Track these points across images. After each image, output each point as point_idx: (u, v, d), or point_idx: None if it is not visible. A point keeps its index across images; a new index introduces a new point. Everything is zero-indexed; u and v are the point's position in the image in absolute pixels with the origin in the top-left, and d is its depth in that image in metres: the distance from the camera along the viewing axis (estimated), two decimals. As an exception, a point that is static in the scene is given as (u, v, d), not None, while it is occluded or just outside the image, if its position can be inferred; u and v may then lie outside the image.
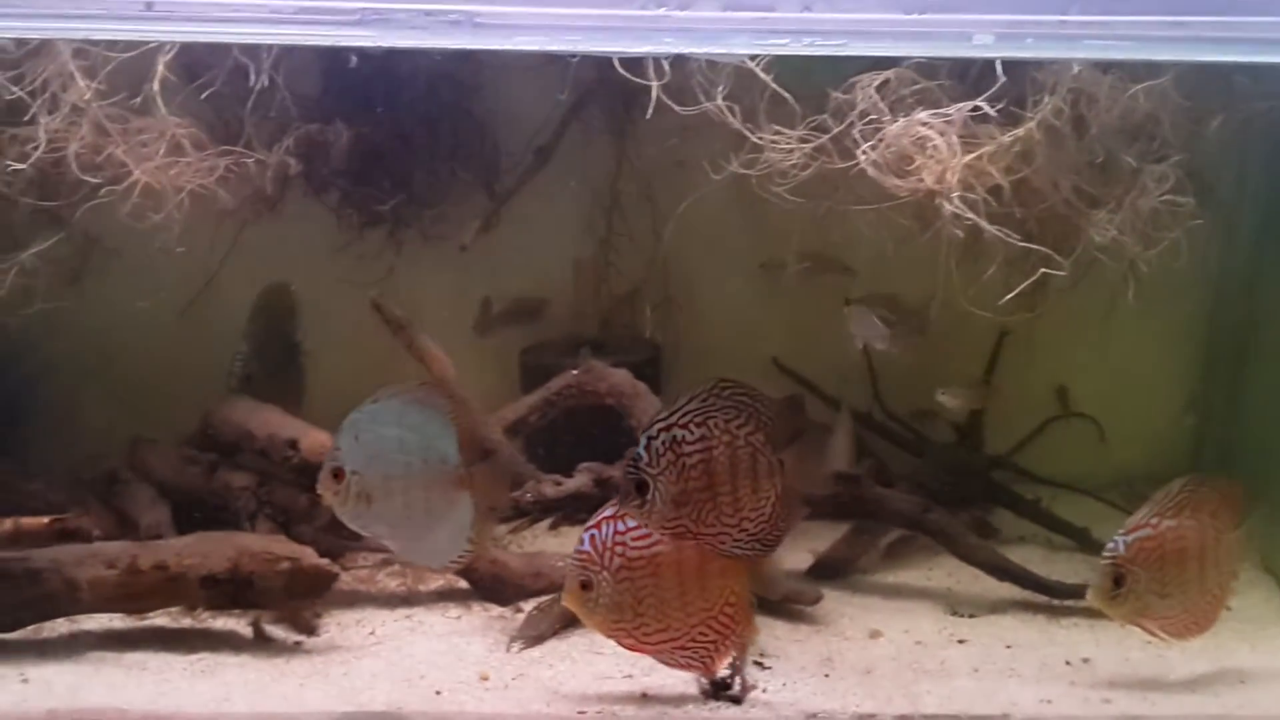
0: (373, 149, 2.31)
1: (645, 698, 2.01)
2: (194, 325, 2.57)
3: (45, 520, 2.02)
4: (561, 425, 2.38)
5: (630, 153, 2.47)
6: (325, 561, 2.12)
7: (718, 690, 2.00)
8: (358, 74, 2.29)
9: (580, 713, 1.97)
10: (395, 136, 2.33)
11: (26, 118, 1.99)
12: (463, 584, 2.35)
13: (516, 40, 1.59)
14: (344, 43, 1.56)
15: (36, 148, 1.96)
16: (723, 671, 2.01)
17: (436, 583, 2.38)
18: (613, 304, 2.59)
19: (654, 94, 1.96)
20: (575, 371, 2.30)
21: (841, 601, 2.36)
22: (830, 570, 2.41)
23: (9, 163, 1.98)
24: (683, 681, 2.03)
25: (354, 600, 2.30)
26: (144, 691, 2.00)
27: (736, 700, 1.99)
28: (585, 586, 1.88)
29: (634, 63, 2.03)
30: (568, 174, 2.50)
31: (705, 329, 2.62)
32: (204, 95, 2.10)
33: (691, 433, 1.74)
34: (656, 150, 2.42)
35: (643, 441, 1.73)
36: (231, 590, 2.08)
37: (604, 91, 2.36)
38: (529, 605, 2.29)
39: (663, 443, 1.73)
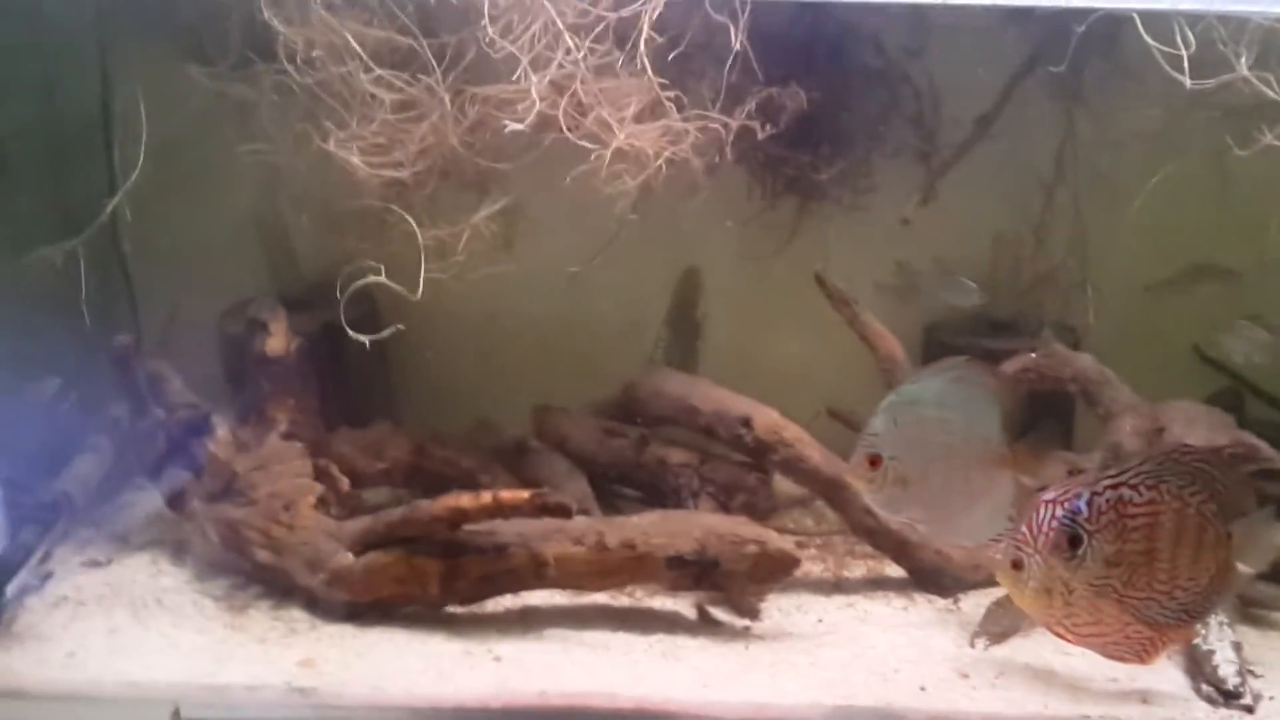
0: (814, 115, 2.20)
1: (1145, 702, 1.90)
2: (590, 290, 2.51)
3: (525, 494, 1.96)
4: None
5: (1081, 124, 2.33)
6: (790, 545, 2.05)
7: (1228, 698, 1.89)
8: (800, 35, 2.22)
9: (1084, 716, 1.87)
10: (835, 102, 2.22)
11: (515, 76, 1.93)
12: (892, 571, 2.26)
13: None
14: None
15: (530, 106, 1.91)
16: (1233, 680, 1.90)
17: (860, 570, 2.29)
18: (1031, 283, 2.46)
19: (1185, 61, 1.82)
20: (1034, 354, 2.19)
21: (1304, 607, 2.23)
22: (1287, 573, 2.26)
23: (505, 121, 1.93)
24: (1181, 687, 1.92)
25: (785, 585, 2.19)
26: (619, 673, 1.95)
27: (1249, 709, 1.87)
28: (1016, 566, 1.76)
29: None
30: (1009, 144, 2.36)
31: (1126, 315, 2.46)
32: (670, 56, 2.03)
33: (1140, 494, 1.66)
34: (1114, 123, 2.28)
35: (1085, 495, 1.65)
36: (696, 572, 2.02)
37: (1057, 55, 2.22)
38: (966, 598, 2.21)
39: (1107, 500, 1.65)
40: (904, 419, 1.70)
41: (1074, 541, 1.70)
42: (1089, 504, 1.69)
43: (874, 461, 1.69)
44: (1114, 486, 1.68)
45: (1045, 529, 1.77)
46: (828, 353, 2.50)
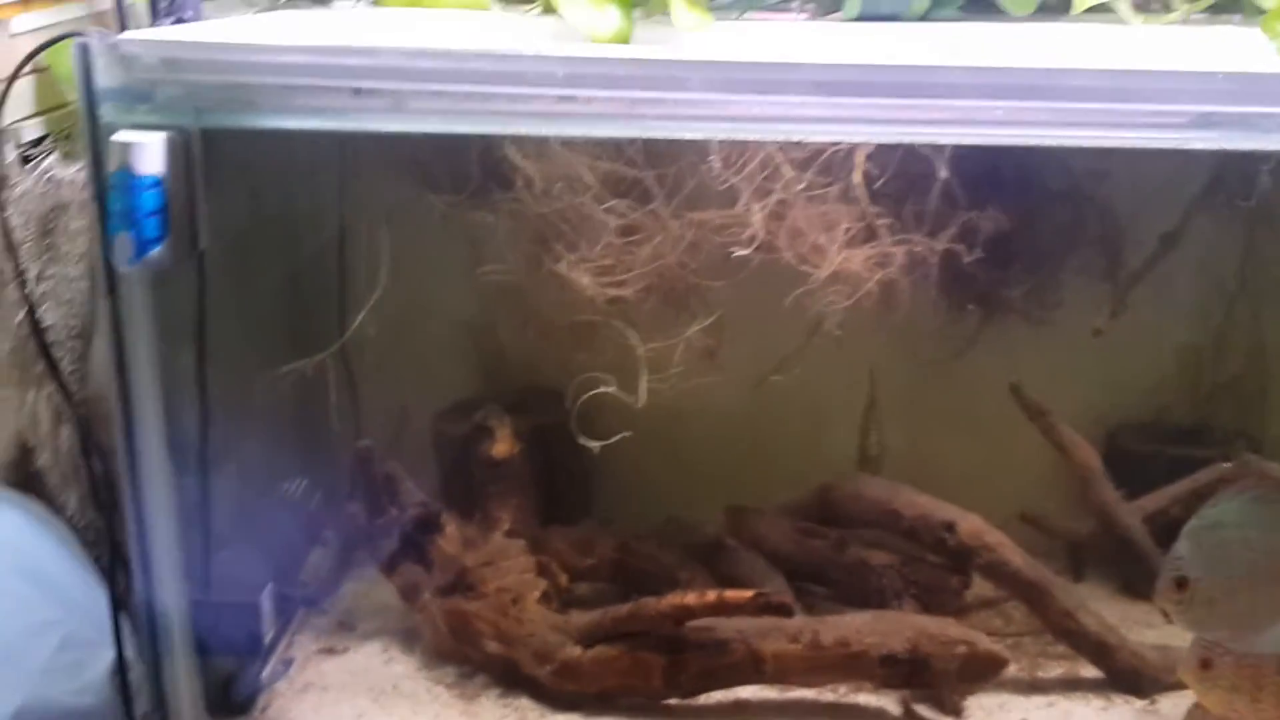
0: (1005, 234, 2.33)
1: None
2: (780, 398, 2.63)
3: (749, 594, 2.09)
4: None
5: (1262, 240, 2.44)
6: (999, 647, 2.15)
7: None
8: (992, 160, 2.36)
9: (1297, 815, 1.93)
10: (1025, 222, 2.35)
11: (740, 204, 2.11)
12: (1087, 673, 2.33)
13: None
14: (1184, 144, 1.60)
15: (752, 234, 2.09)
16: None
17: (1056, 671, 2.36)
18: (1210, 394, 2.55)
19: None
20: (1227, 464, 2.27)
21: None
22: None
23: (731, 248, 2.11)
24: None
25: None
26: (838, 767, 2.07)
27: None
28: (1205, 665, 1.90)
29: None
30: (1191, 259, 2.49)
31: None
32: (876, 185, 2.18)
33: None
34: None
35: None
36: (908, 670, 2.12)
37: (1235, 177, 2.33)
38: (1163, 698, 2.27)
39: None
40: (1207, 541, 1.82)
41: None
42: None
43: (1180, 584, 1.82)
44: None
45: None
46: (1004, 459, 2.63)
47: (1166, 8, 2.21)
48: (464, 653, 2.28)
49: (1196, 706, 2.23)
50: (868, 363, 2.60)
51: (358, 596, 2.55)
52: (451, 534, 2.34)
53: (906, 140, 1.84)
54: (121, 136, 1.73)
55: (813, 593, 2.51)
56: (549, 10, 2.17)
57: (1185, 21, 2.22)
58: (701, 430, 2.70)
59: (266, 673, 2.23)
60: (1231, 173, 2.36)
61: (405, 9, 2.25)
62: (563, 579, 2.33)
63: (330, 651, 2.37)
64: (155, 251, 1.74)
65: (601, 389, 2.23)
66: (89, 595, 2.05)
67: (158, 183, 1.75)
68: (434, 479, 2.57)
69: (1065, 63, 1.60)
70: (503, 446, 2.38)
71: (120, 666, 2.00)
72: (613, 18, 1.84)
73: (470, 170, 2.31)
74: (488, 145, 2.25)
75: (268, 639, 2.21)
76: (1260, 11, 2.07)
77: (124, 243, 1.73)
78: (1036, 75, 1.58)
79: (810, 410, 2.67)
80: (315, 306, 2.58)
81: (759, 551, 2.49)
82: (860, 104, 1.61)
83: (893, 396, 2.67)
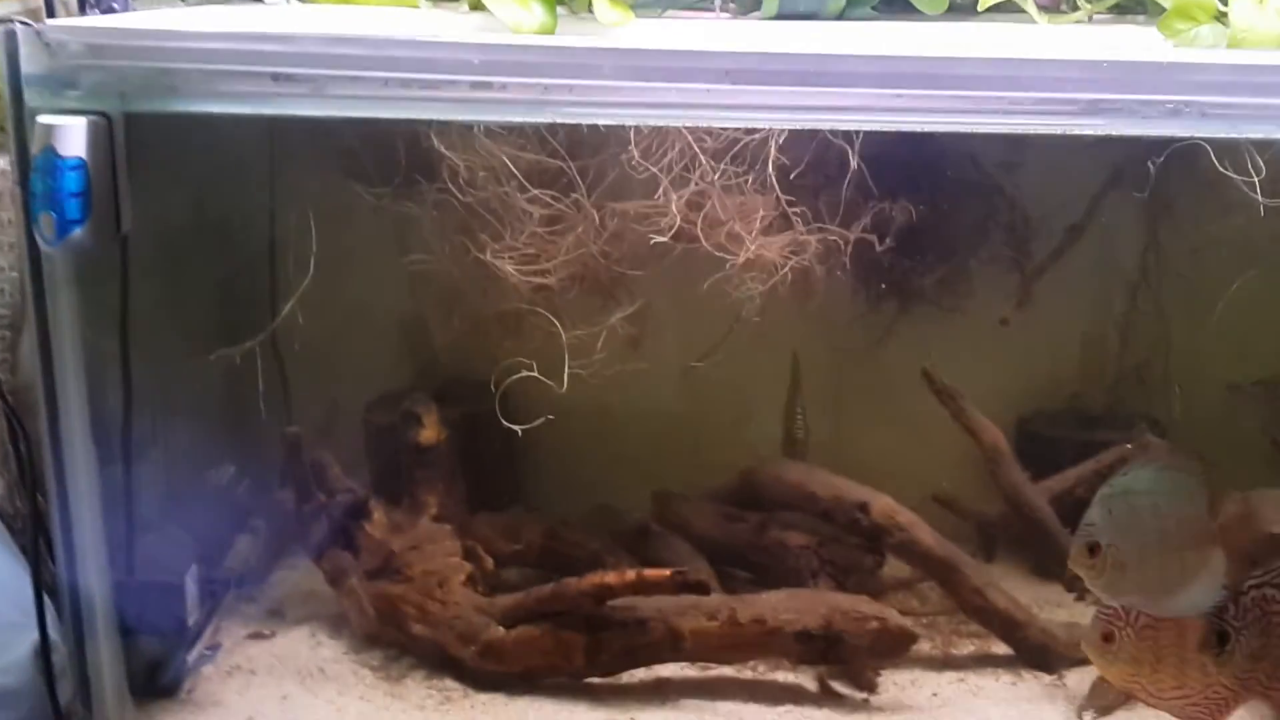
0: (917, 224, 2.40)
1: (1267, 774, 2.05)
2: (703, 385, 2.69)
3: (667, 572, 2.14)
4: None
5: (1163, 231, 2.54)
6: (909, 622, 2.21)
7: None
8: (905, 153, 2.43)
9: (1195, 782, 2.01)
10: (937, 213, 2.43)
11: (656, 195, 2.17)
12: (998, 649, 2.40)
13: (1242, 129, 1.68)
14: (1073, 130, 1.67)
15: (670, 223, 2.14)
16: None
17: (968, 648, 2.44)
18: (1116, 380, 2.64)
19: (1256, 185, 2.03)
20: (1129, 445, 2.36)
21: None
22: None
23: (652, 234, 2.16)
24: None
25: (898, 660, 2.34)
26: (759, 743, 2.13)
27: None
28: (1107, 639, 1.95)
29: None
30: (1097, 251, 2.58)
31: (1207, 410, 2.61)
32: (791, 176, 2.25)
33: None
34: (1195, 231, 2.49)
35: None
36: (823, 646, 2.18)
37: (1139, 171, 2.43)
38: (1070, 673, 2.35)
39: (1252, 599, 1.83)
40: (1118, 508, 1.87)
41: (1222, 638, 1.88)
42: (1235, 602, 1.87)
43: (1093, 550, 1.87)
44: (1259, 586, 1.86)
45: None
46: (920, 442, 2.70)
47: (1074, 7, 2.30)
48: (390, 635, 2.32)
49: (1100, 680, 2.33)
50: (790, 349, 2.67)
51: (287, 583, 2.58)
52: (379, 520, 2.38)
53: (809, 126, 1.91)
54: (45, 120, 1.76)
55: (737, 575, 2.60)
56: (477, 7, 2.21)
57: (1092, 21, 2.31)
58: (630, 417, 2.76)
59: (193, 657, 2.25)
60: (1131, 165, 2.45)
61: (334, 5, 2.29)
62: (488, 562, 2.37)
63: (258, 636, 2.40)
64: (77, 232, 1.76)
65: (524, 374, 2.27)
66: (14, 578, 2.07)
67: (81, 165, 1.77)
68: (364, 467, 2.62)
69: (960, 53, 1.68)
70: (429, 433, 2.42)
71: (44, 649, 2.02)
72: (537, 13, 1.90)
73: (397, 162, 2.35)
74: (415, 136, 2.30)
75: (192, 623, 2.23)
76: (1163, 11, 2.17)
77: (47, 223, 1.76)
78: (931, 64, 1.65)
79: (737, 395, 2.74)
80: (246, 295, 2.61)
81: (685, 536, 2.55)
82: (765, 91, 1.68)
83: (812, 382, 2.75)
